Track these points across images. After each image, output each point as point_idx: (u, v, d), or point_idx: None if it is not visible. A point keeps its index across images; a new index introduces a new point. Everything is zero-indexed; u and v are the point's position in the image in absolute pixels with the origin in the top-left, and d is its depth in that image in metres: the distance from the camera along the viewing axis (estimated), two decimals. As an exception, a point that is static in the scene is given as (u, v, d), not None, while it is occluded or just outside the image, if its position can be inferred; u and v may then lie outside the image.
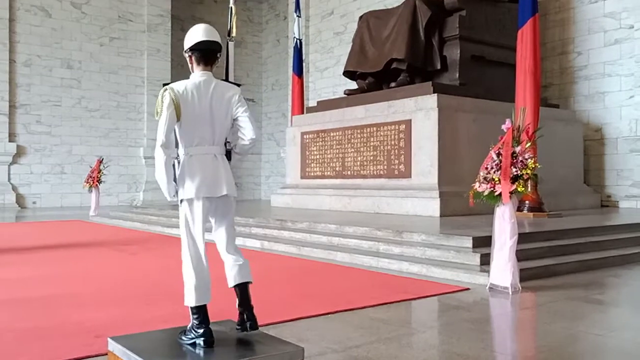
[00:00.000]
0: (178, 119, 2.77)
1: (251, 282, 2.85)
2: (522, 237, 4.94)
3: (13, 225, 11.70)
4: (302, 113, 12.82)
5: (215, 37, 2.92)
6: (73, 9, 17.03)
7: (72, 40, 17.02)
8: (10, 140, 16.04)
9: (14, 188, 16.11)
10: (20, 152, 16.23)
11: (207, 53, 2.89)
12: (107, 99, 17.61)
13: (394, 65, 9.78)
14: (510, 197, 4.44)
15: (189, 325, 2.77)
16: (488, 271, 4.71)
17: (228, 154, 2.93)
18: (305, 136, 11.15)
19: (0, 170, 15.91)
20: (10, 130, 16.07)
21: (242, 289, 2.82)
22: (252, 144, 2.94)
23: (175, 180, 2.81)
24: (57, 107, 16.82)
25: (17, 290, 4.63)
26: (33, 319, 3.66)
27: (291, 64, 14.79)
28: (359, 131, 9.78)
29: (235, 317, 2.80)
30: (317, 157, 10.83)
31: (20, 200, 16.15)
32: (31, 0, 16.41)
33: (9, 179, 16.09)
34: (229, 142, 2.95)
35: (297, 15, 14.32)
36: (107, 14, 17.57)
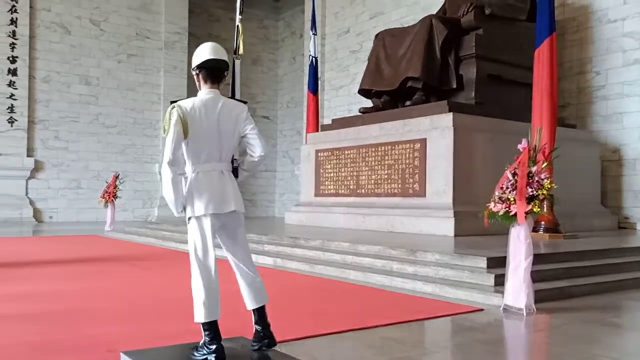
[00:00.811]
0: (185, 137, 2.79)
1: (267, 302, 2.87)
2: (538, 258, 4.89)
3: (30, 239, 11.82)
4: (317, 131, 12.86)
5: (223, 55, 2.96)
6: (92, 26, 17.34)
7: (91, 57, 17.31)
8: (28, 155, 16.27)
9: (32, 202, 16.31)
10: (38, 167, 16.45)
11: (214, 71, 2.94)
12: (123, 116, 17.83)
13: (410, 83, 9.79)
14: (525, 217, 4.40)
15: (201, 341, 2.78)
16: (502, 292, 4.65)
17: (235, 171, 2.96)
18: (319, 154, 11.17)
19: (18, 185, 16.12)
20: (28, 145, 16.30)
21: (260, 310, 2.84)
22: (260, 160, 2.98)
23: (183, 197, 2.84)
24: (74, 123, 17.05)
25: (31, 304, 4.66)
26: (46, 333, 3.68)
27: (306, 82, 14.89)
28: (373, 149, 9.79)
29: (248, 334, 2.80)
30: (332, 175, 10.84)
31: (37, 214, 16.33)
32: (51, 17, 16.74)
33: (27, 194, 16.29)
34: (235, 159, 2.98)
35: (313, 33, 14.43)
36: (124, 31, 17.86)
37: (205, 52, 2.94)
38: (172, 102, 2.87)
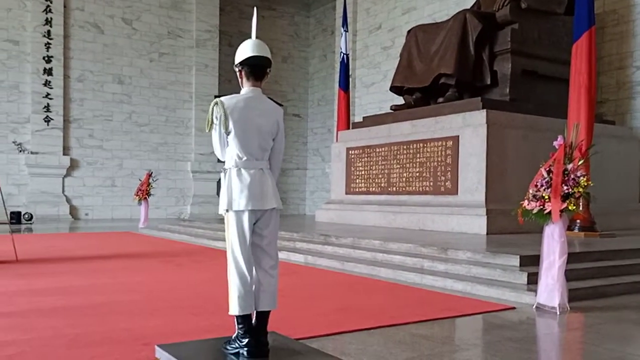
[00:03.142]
0: (227, 132, 2.82)
1: (275, 309, 2.88)
2: (572, 257, 4.80)
3: (66, 235, 12.10)
4: (348, 128, 12.85)
5: (265, 52, 2.94)
6: (124, 25, 17.62)
7: (123, 56, 17.60)
8: (64, 154, 16.64)
9: (68, 200, 16.68)
10: (73, 165, 16.81)
11: (256, 68, 2.92)
12: (156, 114, 18.09)
13: (442, 80, 9.70)
14: (560, 215, 4.33)
15: (234, 335, 2.80)
16: (535, 290, 4.59)
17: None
18: (350, 152, 11.16)
19: (55, 183, 16.51)
20: (64, 144, 16.67)
21: (264, 315, 2.84)
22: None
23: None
24: (108, 122, 17.37)
25: (69, 298, 4.78)
26: (83, 326, 3.76)
27: (337, 79, 14.86)
28: (405, 147, 9.73)
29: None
30: (363, 172, 10.82)
31: (73, 211, 16.70)
32: (84, 16, 17.07)
33: (63, 191, 16.67)
34: None
35: (345, 30, 14.39)
36: (156, 30, 18.11)
37: (247, 48, 2.91)
38: (215, 97, 2.89)
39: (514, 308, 4.52)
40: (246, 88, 2.94)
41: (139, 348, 3.22)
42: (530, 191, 4.52)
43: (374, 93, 16.42)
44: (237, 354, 2.74)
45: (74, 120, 16.89)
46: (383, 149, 10.25)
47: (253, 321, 2.82)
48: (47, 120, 16.31)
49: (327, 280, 5.94)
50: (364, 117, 12.00)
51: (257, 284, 2.84)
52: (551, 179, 4.38)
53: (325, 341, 3.42)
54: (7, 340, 3.38)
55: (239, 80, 2.97)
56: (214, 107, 2.82)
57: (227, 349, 2.79)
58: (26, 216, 15.47)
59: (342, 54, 14.27)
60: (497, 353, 3.32)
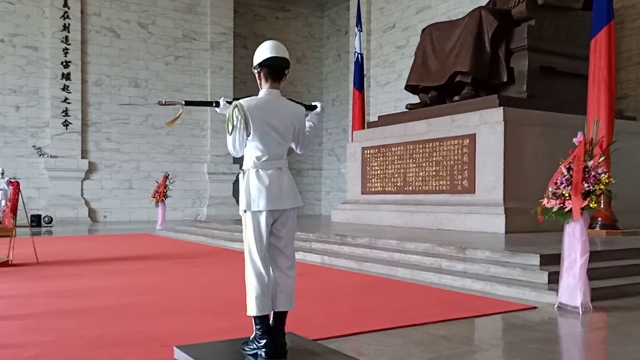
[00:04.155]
0: (247, 134, 2.82)
1: (292, 309, 2.87)
2: (594, 256, 4.73)
3: (86, 238, 12.22)
4: (363, 128, 12.82)
5: (284, 53, 2.93)
6: (140, 29, 17.75)
7: (139, 60, 17.74)
8: (82, 157, 16.81)
9: (87, 203, 16.85)
10: (92, 168, 16.98)
11: (275, 69, 2.91)
12: (172, 116, 18.14)
13: (458, 78, 9.62)
14: (581, 213, 4.26)
15: (252, 335, 2.80)
16: (556, 290, 4.52)
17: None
18: (366, 151, 11.13)
19: (74, 186, 16.69)
20: (82, 147, 16.85)
21: (282, 315, 2.83)
22: (291, 151, 3.12)
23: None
24: (125, 125, 17.51)
25: (88, 299, 4.81)
26: (102, 327, 3.78)
27: (352, 79, 14.82)
28: (420, 146, 9.67)
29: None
30: (378, 172, 10.78)
31: (92, 214, 16.86)
32: (101, 22, 17.23)
33: (82, 194, 16.84)
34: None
35: (359, 30, 14.35)
36: (172, 33, 18.22)
37: (266, 50, 2.91)
38: (234, 99, 2.89)
39: (534, 308, 4.46)
40: (265, 89, 2.94)
41: (157, 349, 3.23)
42: (550, 189, 4.45)
43: (389, 92, 16.36)
44: (255, 355, 2.73)
45: (92, 124, 17.06)
46: (399, 148, 10.20)
47: (271, 322, 2.81)
48: (66, 124, 16.50)
49: (344, 280, 5.91)
50: (379, 117, 11.96)
51: (274, 285, 2.83)
52: (571, 176, 4.32)
53: (342, 342, 3.39)
54: (27, 342, 3.41)
55: (258, 81, 2.97)
56: (234, 110, 2.81)
57: (245, 350, 2.79)
58: (46, 219, 15.66)
59: (356, 54, 14.24)
60: (518, 354, 3.27)
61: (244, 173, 2.88)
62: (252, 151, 2.86)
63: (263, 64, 2.90)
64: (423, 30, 11.09)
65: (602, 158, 4.51)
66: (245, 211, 2.85)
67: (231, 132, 2.82)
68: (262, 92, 2.93)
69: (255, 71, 2.95)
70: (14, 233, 7.25)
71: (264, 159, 2.85)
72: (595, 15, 7.88)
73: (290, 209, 2.91)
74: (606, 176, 4.31)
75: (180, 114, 3.13)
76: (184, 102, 3.27)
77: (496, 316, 4.24)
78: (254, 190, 2.82)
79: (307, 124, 3.12)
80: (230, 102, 3.01)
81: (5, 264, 6.96)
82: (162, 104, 3.34)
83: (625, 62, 11.24)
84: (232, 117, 2.82)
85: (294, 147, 3.06)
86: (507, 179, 8.15)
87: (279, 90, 2.95)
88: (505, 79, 9.43)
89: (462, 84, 9.63)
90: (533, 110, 8.62)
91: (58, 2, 16.37)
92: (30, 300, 4.80)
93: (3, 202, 7.51)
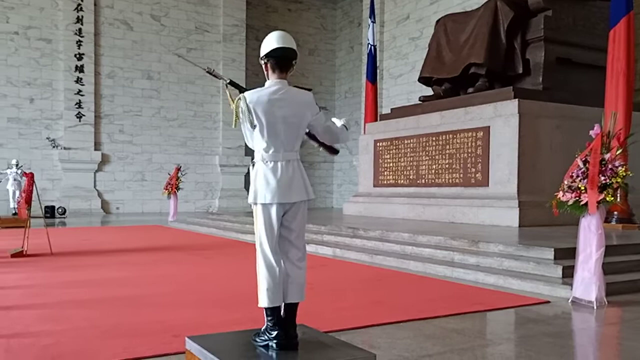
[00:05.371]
0: (253, 127, 2.80)
1: (303, 300, 2.85)
2: (610, 250, 4.68)
3: (99, 229, 12.31)
4: (376, 121, 12.75)
5: (291, 43, 2.90)
6: (153, 21, 17.78)
7: (152, 52, 17.78)
8: (95, 149, 16.92)
9: (100, 194, 16.96)
10: (104, 160, 17.08)
11: (281, 60, 2.89)
12: (184, 109, 18.24)
13: (472, 70, 9.52)
14: (597, 207, 4.20)
15: (263, 327, 2.79)
16: (570, 284, 4.47)
17: (331, 149, 3.14)
18: (378, 144, 11.08)
19: (87, 178, 16.80)
20: (95, 140, 16.95)
21: (293, 307, 2.82)
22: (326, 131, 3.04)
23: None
24: (138, 117, 17.59)
25: (102, 290, 4.84)
26: (116, 317, 3.80)
27: (365, 71, 14.75)
28: (434, 138, 9.61)
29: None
30: (391, 165, 10.73)
31: (105, 205, 16.98)
32: (114, 14, 17.29)
33: (95, 186, 16.96)
34: (321, 142, 3.06)
35: (372, 21, 14.24)
36: (184, 25, 18.23)
37: (272, 40, 2.88)
38: (240, 91, 2.87)
39: (548, 302, 4.42)
40: (271, 80, 2.91)
41: (169, 339, 3.24)
42: (565, 182, 4.40)
43: (402, 84, 16.26)
44: (266, 347, 2.73)
45: (105, 116, 17.15)
46: (411, 140, 10.14)
47: (282, 313, 2.80)
48: (79, 116, 16.60)
49: (355, 273, 5.90)
50: (391, 109, 11.89)
51: (285, 276, 2.82)
52: (587, 169, 4.26)
53: (354, 334, 3.38)
54: (43, 331, 3.44)
55: (265, 72, 2.95)
56: (238, 102, 2.80)
57: (257, 341, 2.78)
58: (60, 210, 15.79)
59: (369, 46, 14.14)
60: (531, 348, 3.24)
61: (253, 165, 2.87)
62: (260, 143, 2.84)
63: (270, 55, 2.88)
64: (437, 21, 10.99)
65: (620, 151, 4.45)
66: (255, 203, 2.84)
67: (235, 124, 2.81)
68: (268, 83, 2.91)
69: (262, 62, 2.93)
70: (29, 224, 7.31)
71: (271, 150, 2.83)
72: (614, 6, 7.76)
73: (301, 202, 2.89)
74: (623, 169, 4.25)
75: (230, 96, 3.10)
76: (228, 80, 3.24)
77: (509, 310, 4.21)
78: (260, 182, 2.80)
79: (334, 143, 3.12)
80: (230, 84, 3.03)
81: (20, 254, 7.04)
82: (210, 72, 3.31)
83: (643, 54, 11.04)
84: (237, 110, 2.80)
85: (320, 134, 3.00)
86: (522, 172, 8.07)
87: (287, 80, 2.92)
88: (520, 71, 9.32)
89: (477, 76, 9.53)
90: (549, 103, 8.52)
91: (71, -5, 16.45)
92: (44, 290, 4.85)
93: (18, 193, 7.57)
